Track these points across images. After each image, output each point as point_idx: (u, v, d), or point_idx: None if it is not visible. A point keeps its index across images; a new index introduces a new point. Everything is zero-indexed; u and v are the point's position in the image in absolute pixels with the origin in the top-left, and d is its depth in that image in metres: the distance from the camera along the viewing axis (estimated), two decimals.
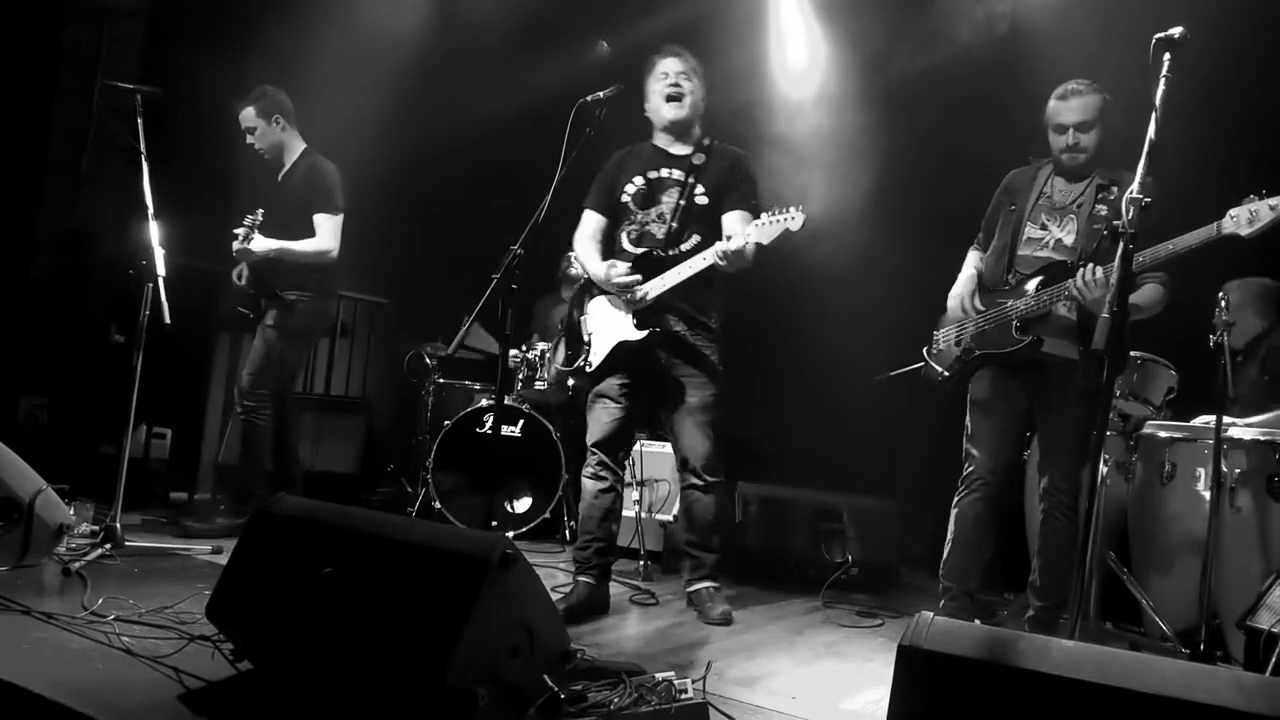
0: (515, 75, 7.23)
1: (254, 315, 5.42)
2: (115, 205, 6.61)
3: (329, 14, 7.02)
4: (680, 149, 4.44)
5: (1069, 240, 4.04)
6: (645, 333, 4.24)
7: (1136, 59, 2.89)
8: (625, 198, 4.42)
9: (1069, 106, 4.02)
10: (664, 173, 4.41)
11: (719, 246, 4.04)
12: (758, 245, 4.05)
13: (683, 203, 4.34)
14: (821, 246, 5.75)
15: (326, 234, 5.34)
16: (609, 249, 4.47)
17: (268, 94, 5.45)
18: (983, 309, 4.16)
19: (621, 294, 4.28)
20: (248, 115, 5.41)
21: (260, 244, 5.17)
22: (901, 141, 6.20)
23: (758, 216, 4.12)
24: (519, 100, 6.99)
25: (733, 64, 6.73)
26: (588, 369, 4.39)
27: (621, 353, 4.29)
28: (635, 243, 4.38)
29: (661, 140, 4.48)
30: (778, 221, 3.96)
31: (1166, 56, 2.81)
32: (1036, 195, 4.18)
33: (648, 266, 4.25)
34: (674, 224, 4.33)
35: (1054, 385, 4.03)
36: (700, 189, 4.35)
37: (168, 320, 4.51)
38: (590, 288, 4.50)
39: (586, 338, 4.42)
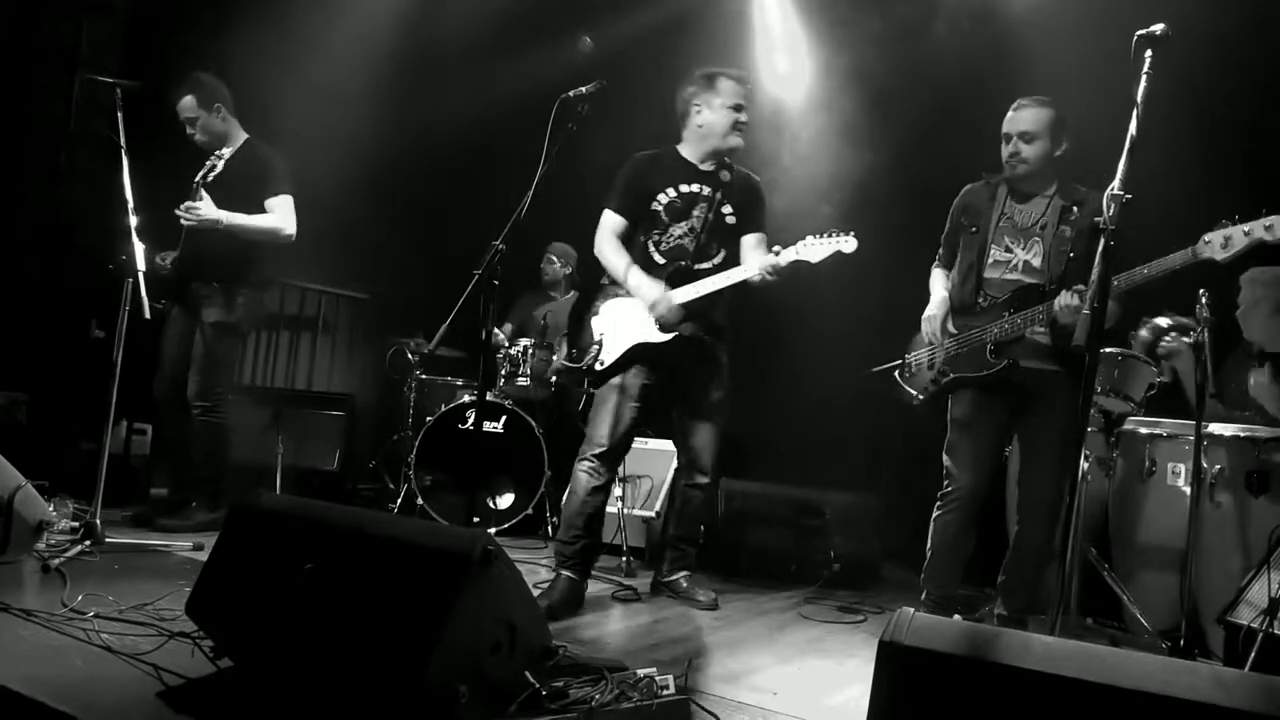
0: (497, 70, 7.22)
1: (170, 305, 5.26)
2: (95, 199, 6.56)
3: (312, 7, 6.99)
4: (708, 166, 4.52)
5: (1036, 263, 4.08)
6: (670, 335, 4.32)
7: (1119, 61, 2.90)
8: (657, 207, 4.48)
9: (1016, 117, 4.08)
10: (695, 188, 4.49)
11: (766, 263, 4.18)
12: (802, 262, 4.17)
13: (710, 218, 4.46)
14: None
15: (281, 213, 5.22)
16: (629, 252, 4.50)
17: (205, 82, 5.26)
18: (954, 332, 4.19)
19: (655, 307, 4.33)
20: (187, 105, 5.22)
21: (212, 209, 4.98)
22: (885, 142, 6.21)
23: (766, 242, 4.46)
24: (501, 95, 6.97)
25: (715, 61, 6.73)
26: (598, 366, 4.45)
27: (639, 352, 4.37)
28: (666, 254, 4.46)
29: (691, 154, 4.54)
30: (829, 243, 4.11)
31: (1148, 54, 2.82)
32: (997, 217, 4.20)
33: (678, 278, 4.35)
34: (702, 237, 4.44)
35: (1036, 396, 4.05)
36: (728, 208, 4.49)
37: (148, 315, 4.48)
38: (607, 288, 4.57)
39: (598, 337, 4.49)
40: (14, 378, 6.21)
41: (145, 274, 4.49)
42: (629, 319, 4.41)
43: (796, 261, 4.17)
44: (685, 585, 4.59)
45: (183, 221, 5.02)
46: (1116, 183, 2.78)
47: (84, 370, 6.11)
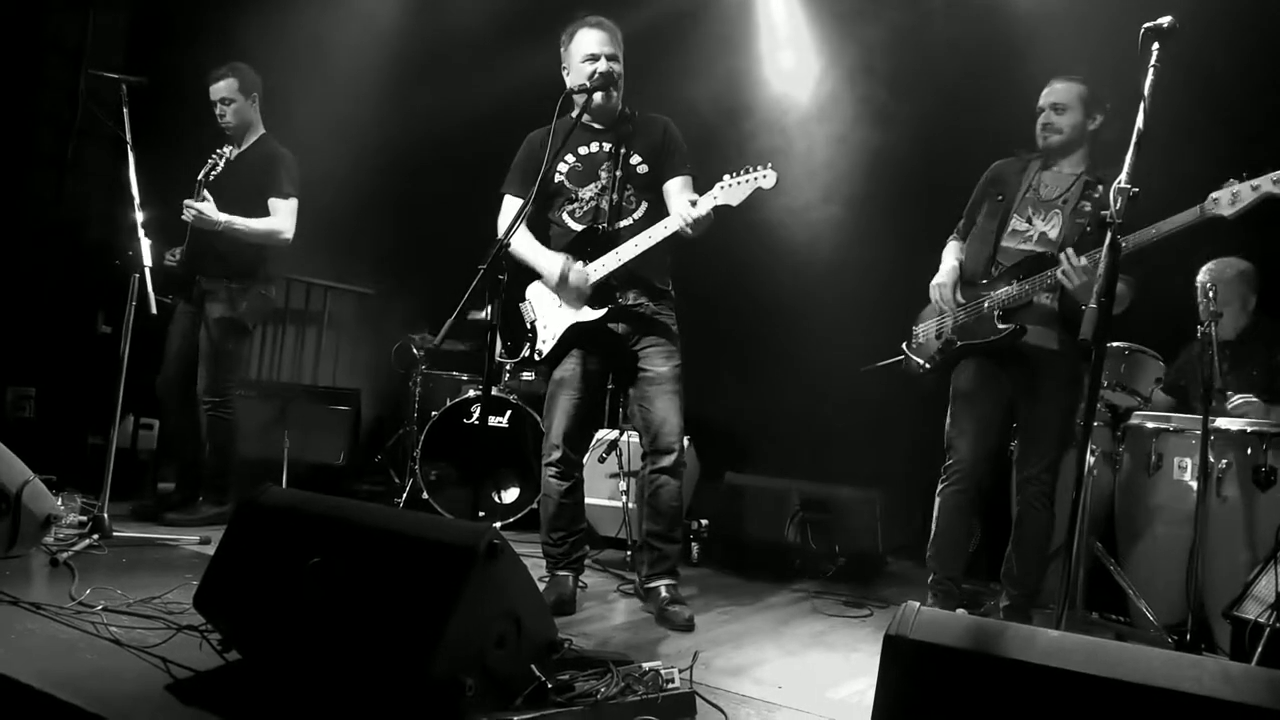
0: (501, 65, 7.21)
1: (177, 300, 5.29)
2: (101, 195, 6.58)
3: (315, 3, 6.99)
4: (604, 122, 4.27)
5: (1053, 234, 4.06)
6: (603, 311, 4.11)
7: (1127, 51, 2.89)
8: (559, 177, 4.23)
9: (1049, 90, 4.13)
10: (594, 147, 4.25)
11: (685, 214, 3.88)
12: (723, 206, 3.89)
13: (619, 174, 4.18)
14: (820, 243, 5.78)
15: (283, 216, 5.23)
16: (542, 233, 4.31)
17: (245, 70, 5.32)
18: (964, 301, 4.19)
19: (564, 286, 4.12)
20: (227, 87, 5.27)
21: (212, 210, 5.01)
22: (889, 135, 6.20)
23: (695, 181, 4.13)
24: (505, 90, 6.95)
25: (717, 55, 6.73)
26: (537, 357, 4.27)
27: (577, 334, 4.17)
28: (581, 220, 4.22)
29: (585, 117, 4.17)
30: (747, 181, 3.83)
31: (1155, 46, 2.81)
32: (1025, 188, 4.20)
33: (593, 241, 4.14)
34: (614, 195, 4.18)
35: (1036, 375, 4.05)
36: (637, 158, 4.22)
37: (154, 310, 4.49)
38: (525, 273, 4.32)
39: (529, 324, 4.31)
40: (21, 372, 6.22)
41: (152, 269, 4.50)
42: (558, 301, 4.22)
43: (718, 207, 3.87)
44: (665, 596, 4.07)
45: (184, 218, 5.06)
46: (1124, 176, 2.77)
47: (91, 365, 6.13)
